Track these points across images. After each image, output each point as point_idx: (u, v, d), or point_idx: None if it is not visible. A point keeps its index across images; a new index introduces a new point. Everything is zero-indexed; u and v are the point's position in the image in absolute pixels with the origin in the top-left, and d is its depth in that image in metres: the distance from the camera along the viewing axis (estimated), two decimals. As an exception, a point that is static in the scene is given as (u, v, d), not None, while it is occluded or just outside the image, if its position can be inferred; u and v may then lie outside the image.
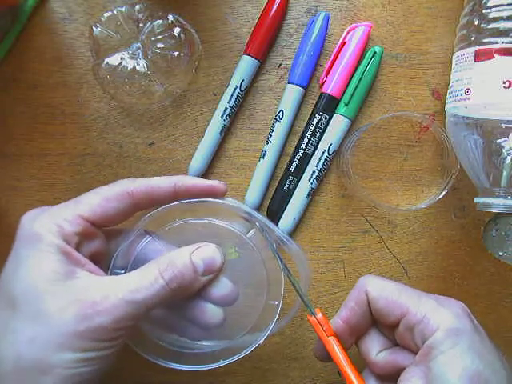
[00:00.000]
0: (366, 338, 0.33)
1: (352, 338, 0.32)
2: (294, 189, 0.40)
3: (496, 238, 0.36)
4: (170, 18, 0.37)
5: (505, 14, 0.33)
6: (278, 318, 0.32)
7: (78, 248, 0.29)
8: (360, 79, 0.39)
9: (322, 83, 0.40)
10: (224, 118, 0.39)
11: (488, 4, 0.34)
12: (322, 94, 0.40)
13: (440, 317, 0.29)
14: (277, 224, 0.40)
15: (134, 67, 0.37)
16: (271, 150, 0.40)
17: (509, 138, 0.34)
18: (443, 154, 0.40)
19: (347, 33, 0.39)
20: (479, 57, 0.34)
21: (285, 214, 0.40)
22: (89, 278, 0.28)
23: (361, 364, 0.32)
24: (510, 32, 0.33)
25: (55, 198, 0.41)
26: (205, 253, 0.30)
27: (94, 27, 0.37)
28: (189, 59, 0.39)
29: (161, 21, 0.37)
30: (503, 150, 0.34)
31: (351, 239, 0.41)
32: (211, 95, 0.41)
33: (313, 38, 0.39)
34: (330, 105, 0.39)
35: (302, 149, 0.40)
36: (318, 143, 0.40)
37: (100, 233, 0.31)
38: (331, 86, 0.39)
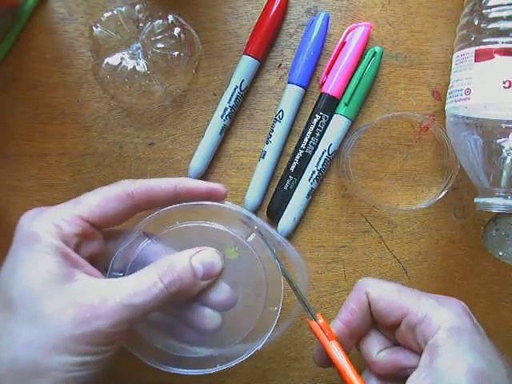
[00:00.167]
0: (367, 338, 0.33)
1: (353, 341, 0.32)
2: (294, 189, 0.40)
3: (496, 238, 0.36)
4: (170, 18, 0.37)
5: (505, 13, 0.33)
6: (277, 325, 0.32)
7: (76, 249, 0.29)
8: (360, 79, 0.39)
9: (322, 83, 0.40)
10: (224, 118, 0.39)
11: (488, 4, 0.34)
12: (321, 94, 0.40)
13: (441, 316, 0.29)
14: (277, 224, 0.40)
15: (134, 67, 0.37)
16: (271, 150, 0.40)
17: (509, 138, 0.34)
18: (443, 154, 0.40)
19: (347, 33, 0.39)
20: (479, 57, 0.34)
21: (285, 214, 0.40)
22: (87, 281, 0.28)
23: (361, 365, 0.32)
24: (510, 32, 0.33)
25: (55, 198, 0.41)
26: (204, 257, 0.30)
27: (94, 27, 0.37)
28: (189, 59, 0.39)
29: (161, 21, 0.37)
30: (503, 150, 0.34)
31: (351, 239, 0.41)
32: (211, 95, 0.41)
33: (313, 38, 0.39)
34: (330, 105, 0.39)
35: (302, 149, 0.40)
36: (317, 143, 0.40)
37: (99, 234, 0.30)
38: (331, 86, 0.39)
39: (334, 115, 0.40)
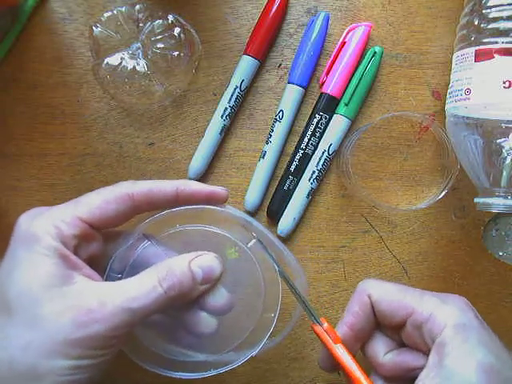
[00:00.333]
0: (371, 340, 0.32)
1: (358, 344, 0.32)
2: (294, 189, 0.40)
3: (496, 238, 0.36)
4: (170, 18, 0.37)
5: (505, 13, 0.33)
6: (277, 331, 0.32)
7: (75, 250, 0.28)
8: (360, 79, 0.39)
9: (322, 83, 0.40)
10: (224, 118, 0.39)
11: (488, 4, 0.34)
12: (321, 94, 0.40)
13: (446, 313, 0.29)
14: (277, 224, 0.40)
15: (134, 67, 0.37)
16: (271, 150, 0.40)
17: (509, 138, 0.34)
18: (443, 154, 0.40)
19: (347, 33, 0.39)
20: (479, 57, 0.34)
21: (285, 214, 0.40)
22: (86, 284, 0.27)
23: (366, 369, 0.32)
24: (510, 32, 0.33)
25: (55, 198, 0.41)
26: (204, 261, 0.30)
27: (94, 27, 0.37)
28: (189, 59, 0.39)
29: (161, 21, 0.37)
30: (503, 150, 0.34)
31: (351, 239, 0.41)
32: (211, 95, 0.41)
33: (313, 38, 0.39)
34: (330, 105, 0.39)
35: (302, 149, 0.40)
36: (317, 143, 0.40)
37: (98, 235, 0.30)
38: (331, 86, 0.39)
39: (334, 115, 0.40)
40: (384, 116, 0.40)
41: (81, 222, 0.29)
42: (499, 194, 0.35)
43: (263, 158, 0.40)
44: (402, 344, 0.32)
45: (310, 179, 0.39)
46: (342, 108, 0.39)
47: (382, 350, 0.32)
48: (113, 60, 0.37)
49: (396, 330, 0.32)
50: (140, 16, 0.37)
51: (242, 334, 0.32)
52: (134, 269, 0.30)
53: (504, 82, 0.33)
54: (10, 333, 0.26)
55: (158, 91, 0.38)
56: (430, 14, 0.40)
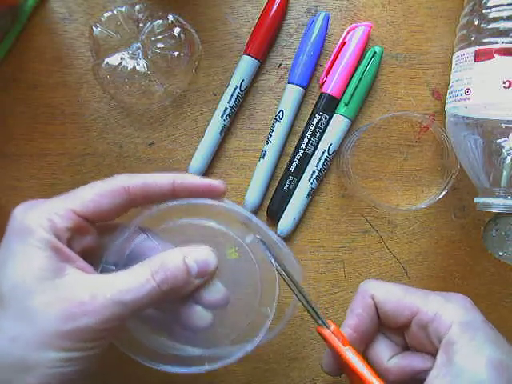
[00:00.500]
0: (375, 345, 0.32)
1: (362, 346, 0.32)
2: (294, 189, 0.40)
3: (496, 238, 0.36)
4: (170, 18, 0.37)
5: (505, 13, 0.33)
6: (271, 326, 0.32)
7: (69, 243, 0.28)
8: (360, 79, 0.39)
9: (322, 83, 0.40)
10: (224, 118, 0.39)
11: (488, 4, 0.34)
12: (321, 94, 0.40)
13: (451, 312, 0.29)
14: (277, 224, 0.40)
15: (134, 67, 0.37)
16: (271, 150, 0.40)
17: (509, 138, 0.34)
18: (443, 154, 0.40)
19: (347, 33, 0.39)
20: (479, 57, 0.34)
21: (285, 214, 0.40)
22: (78, 276, 0.27)
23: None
24: (510, 32, 0.33)
25: (55, 198, 0.41)
26: (199, 255, 0.29)
27: (94, 27, 0.37)
28: (189, 59, 0.39)
29: (161, 21, 0.37)
30: (503, 150, 0.34)
31: (351, 239, 0.41)
32: (211, 95, 0.41)
33: (313, 38, 0.39)
34: (330, 105, 0.39)
35: (302, 149, 0.40)
36: (318, 143, 0.40)
37: (93, 228, 0.30)
38: (331, 86, 0.39)
39: (334, 115, 0.40)
40: (384, 116, 0.40)
41: (74, 214, 0.28)
42: (499, 193, 0.34)
43: (263, 158, 0.40)
44: (405, 347, 0.32)
45: (310, 179, 0.39)
46: (341, 108, 0.39)
47: (386, 355, 0.31)
48: (113, 60, 0.37)
49: (400, 331, 0.31)
50: (140, 16, 0.37)
51: (238, 329, 0.32)
52: (129, 262, 0.30)
53: (504, 82, 0.33)
54: (1, 325, 0.26)
55: (158, 91, 0.38)
56: (429, 14, 0.40)
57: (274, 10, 0.39)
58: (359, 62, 0.39)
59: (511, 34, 0.33)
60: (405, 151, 0.41)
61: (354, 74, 0.39)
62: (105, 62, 0.37)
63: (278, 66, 0.41)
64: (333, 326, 0.31)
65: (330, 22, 0.39)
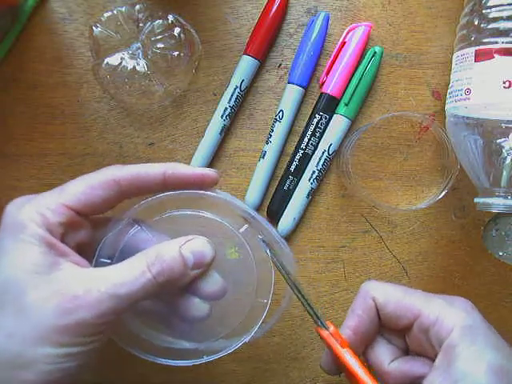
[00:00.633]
0: (375, 348, 0.32)
1: (361, 347, 0.32)
2: (294, 189, 0.40)
3: (496, 238, 0.36)
4: (170, 18, 0.37)
5: (505, 13, 0.33)
6: (267, 317, 0.32)
7: (62, 238, 0.28)
8: (360, 79, 0.39)
9: (322, 83, 0.40)
10: (224, 118, 0.39)
11: (488, 4, 0.34)
12: (321, 94, 0.40)
13: (453, 316, 0.28)
14: (277, 224, 0.40)
15: (134, 67, 0.37)
16: (271, 150, 0.40)
17: (509, 138, 0.34)
18: (443, 154, 0.40)
19: (347, 33, 0.39)
20: (479, 57, 0.34)
21: (285, 214, 0.40)
22: (72, 270, 0.27)
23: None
24: (510, 32, 0.33)
25: (55, 198, 0.41)
26: (195, 246, 0.29)
27: (94, 27, 0.37)
28: (189, 59, 0.39)
29: (161, 21, 0.37)
30: (503, 150, 0.34)
31: (351, 239, 0.41)
32: (211, 95, 0.41)
33: (313, 38, 0.39)
34: (330, 105, 0.39)
35: (302, 149, 0.40)
36: (317, 143, 0.40)
37: (86, 222, 0.30)
38: (331, 86, 0.39)
39: (334, 115, 0.40)
40: (384, 116, 0.40)
41: (66, 209, 0.28)
42: (499, 193, 0.34)
43: (263, 158, 0.40)
44: (406, 350, 0.32)
45: (310, 179, 0.39)
46: (341, 108, 0.39)
47: (386, 358, 0.31)
48: (113, 60, 0.37)
49: (401, 334, 0.31)
50: (140, 16, 0.37)
51: (235, 320, 0.32)
52: (123, 254, 0.29)
53: (504, 82, 0.33)
54: None
55: (158, 91, 0.38)
56: (429, 14, 0.40)
57: (273, 10, 0.39)
58: (359, 62, 0.39)
59: (511, 34, 0.33)
60: (405, 151, 0.41)
61: (354, 74, 0.39)
62: (105, 62, 0.37)
63: (278, 66, 0.41)
64: (332, 328, 0.31)
65: (330, 22, 0.39)
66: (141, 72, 0.37)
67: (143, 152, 0.41)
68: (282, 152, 0.40)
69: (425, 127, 0.40)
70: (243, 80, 0.39)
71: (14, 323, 0.25)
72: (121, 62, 0.37)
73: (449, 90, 0.37)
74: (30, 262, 0.26)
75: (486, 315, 0.30)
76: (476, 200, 0.36)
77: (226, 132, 0.40)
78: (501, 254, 0.36)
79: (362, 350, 0.32)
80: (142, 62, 0.37)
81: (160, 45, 0.37)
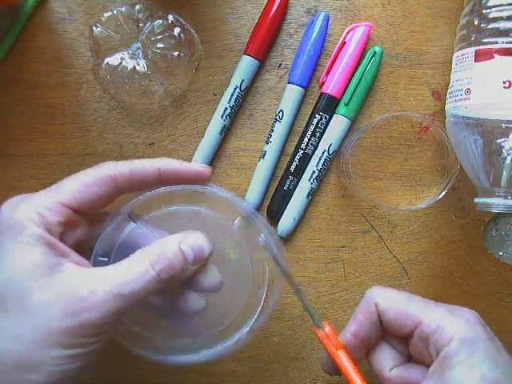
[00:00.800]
0: (378, 353, 0.32)
1: (362, 352, 0.32)
2: (294, 189, 0.40)
3: (496, 238, 0.36)
4: (170, 18, 0.37)
5: (505, 13, 0.33)
6: (262, 310, 0.32)
7: (61, 237, 0.28)
8: (360, 79, 0.39)
9: (322, 83, 0.40)
10: (224, 117, 0.39)
11: (488, 4, 0.34)
12: (321, 94, 0.40)
13: (453, 326, 0.28)
14: (277, 224, 0.40)
15: (134, 67, 0.37)
16: (271, 150, 0.40)
17: (509, 138, 0.34)
18: (443, 154, 0.40)
19: (347, 33, 0.39)
20: (479, 57, 0.34)
21: (285, 214, 0.40)
22: (75, 271, 0.27)
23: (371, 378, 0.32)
24: (510, 32, 0.33)
25: (55, 198, 0.41)
26: (193, 241, 0.29)
27: (94, 27, 0.37)
28: (189, 59, 0.39)
29: (161, 21, 0.37)
30: (503, 150, 0.34)
31: (351, 239, 0.41)
32: (211, 95, 0.41)
33: (313, 38, 0.39)
34: (330, 105, 0.39)
35: (302, 149, 0.40)
36: (318, 143, 0.40)
37: (83, 220, 0.29)
38: (331, 86, 0.39)
39: (334, 115, 0.40)
40: (384, 116, 0.40)
41: (64, 207, 0.28)
42: (499, 193, 0.34)
43: (263, 158, 0.40)
44: (408, 357, 0.32)
45: (310, 179, 0.39)
46: (341, 108, 0.39)
47: (388, 364, 0.31)
48: (113, 60, 0.37)
49: (404, 341, 0.31)
50: (140, 16, 0.37)
51: (232, 312, 0.32)
52: (121, 251, 0.29)
53: (504, 82, 0.33)
54: (1, 324, 0.26)
55: (158, 91, 0.38)
56: (429, 14, 0.40)
57: (274, 9, 0.39)
58: (359, 62, 0.39)
59: (511, 34, 0.33)
60: (405, 151, 0.41)
61: (354, 74, 0.39)
62: (105, 62, 0.37)
63: (278, 66, 0.41)
64: (327, 328, 0.31)
65: (330, 22, 0.39)
66: (141, 72, 0.37)
67: (143, 152, 0.41)
68: (281, 152, 0.40)
69: (425, 127, 0.40)
70: (243, 80, 0.39)
71: (20, 326, 0.25)
72: (121, 62, 0.37)
73: (449, 90, 0.37)
74: (31, 263, 0.26)
75: (486, 315, 0.30)
76: (476, 200, 0.36)
77: (226, 132, 0.40)
78: (501, 253, 0.36)
79: (363, 354, 0.32)
80: (142, 62, 0.37)
81: (160, 45, 0.37)
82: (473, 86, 0.34)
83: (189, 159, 0.40)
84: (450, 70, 0.38)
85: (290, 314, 0.41)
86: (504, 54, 0.33)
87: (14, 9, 0.39)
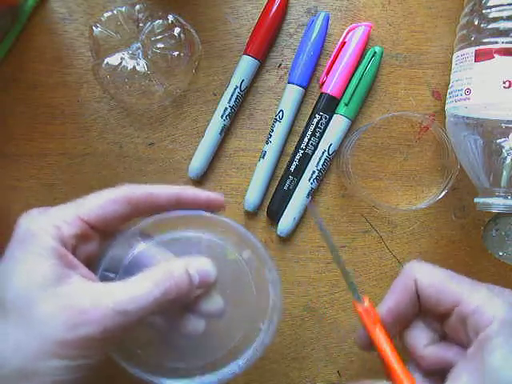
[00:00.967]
0: (413, 330, 0.31)
1: (397, 328, 0.31)
2: (294, 189, 0.40)
3: (496, 238, 0.36)
4: (170, 18, 0.37)
5: (505, 13, 0.33)
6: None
7: (74, 250, 0.28)
8: (360, 79, 0.39)
9: (322, 83, 0.40)
10: (224, 117, 0.39)
11: (488, 4, 0.34)
12: (321, 94, 0.40)
13: (495, 307, 0.27)
14: (277, 224, 0.40)
15: (134, 67, 0.37)
16: (271, 150, 0.40)
17: (509, 138, 0.34)
18: (443, 154, 0.40)
19: (347, 33, 0.39)
20: (479, 57, 0.34)
21: (285, 214, 0.40)
22: (81, 284, 0.27)
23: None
24: (510, 32, 0.33)
25: (55, 198, 0.41)
26: (200, 265, 0.30)
27: (94, 27, 0.37)
28: (189, 59, 0.39)
29: (161, 21, 0.37)
30: (503, 150, 0.34)
31: (351, 239, 0.41)
32: (211, 95, 0.41)
33: (313, 38, 0.39)
34: (330, 105, 0.39)
35: (302, 149, 0.40)
36: (318, 143, 0.40)
37: (96, 235, 0.30)
38: (331, 86, 0.39)
39: (334, 115, 0.40)
40: (384, 116, 0.40)
41: (81, 222, 0.29)
42: (499, 194, 0.35)
43: (263, 158, 0.40)
44: (443, 336, 0.31)
45: (310, 179, 0.39)
46: (341, 108, 0.39)
47: (422, 342, 0.30)
48: (113, 60, 0.37)
49: (441, 319, 0.30)
50: (140, 16, 0.37)
51: (229, 341, 0.32)
52: (128, 268, 0.30)
53: (504, 82, 0.33)
54: (4, 334, 0.26)
55: (158, 91, 0.38)
56: (429, 14, 0.40)
57: (273, 10, 0.39)
58: (359, 62, 0.39)
59: (511, 33, 0.33)
60: (405, 151, 0.41)
61: (353, 74, 0.39)
62: (105, 62, 0.37)
63: (278, 66, 0.41)
64: (366, 302, 0.30)
65: (330, 21, 0.39)
66: (141, 72, 0.37)
67: (143, 152, 0.41)
68: (282, 152, 0.40)
69: (425, 127, 0.40)
70: (243, 80, 0.39)
71: (22, 336, 0.25)
72: (121, 62, 0.37)
73: (449, 90, 0.37)
74: (40, 275, 0.26)
75: (486, 315, 0.30)
76: (476, 200, 0.36)
77: (226, 132, 0.40)
78: (501, 253, 0.36)
79: (398, 330, 0.31)
80: (142, 62, 0.37)
81: (160, 45, 0.37)
82: (473, 85, 0.34)
83: (189, 159, 0.40)
84: (450, 70, 0.38)
85: (290, 314, 0.41)
86: (504, 54, 0.33)
87: (14, 9, 0.39)
